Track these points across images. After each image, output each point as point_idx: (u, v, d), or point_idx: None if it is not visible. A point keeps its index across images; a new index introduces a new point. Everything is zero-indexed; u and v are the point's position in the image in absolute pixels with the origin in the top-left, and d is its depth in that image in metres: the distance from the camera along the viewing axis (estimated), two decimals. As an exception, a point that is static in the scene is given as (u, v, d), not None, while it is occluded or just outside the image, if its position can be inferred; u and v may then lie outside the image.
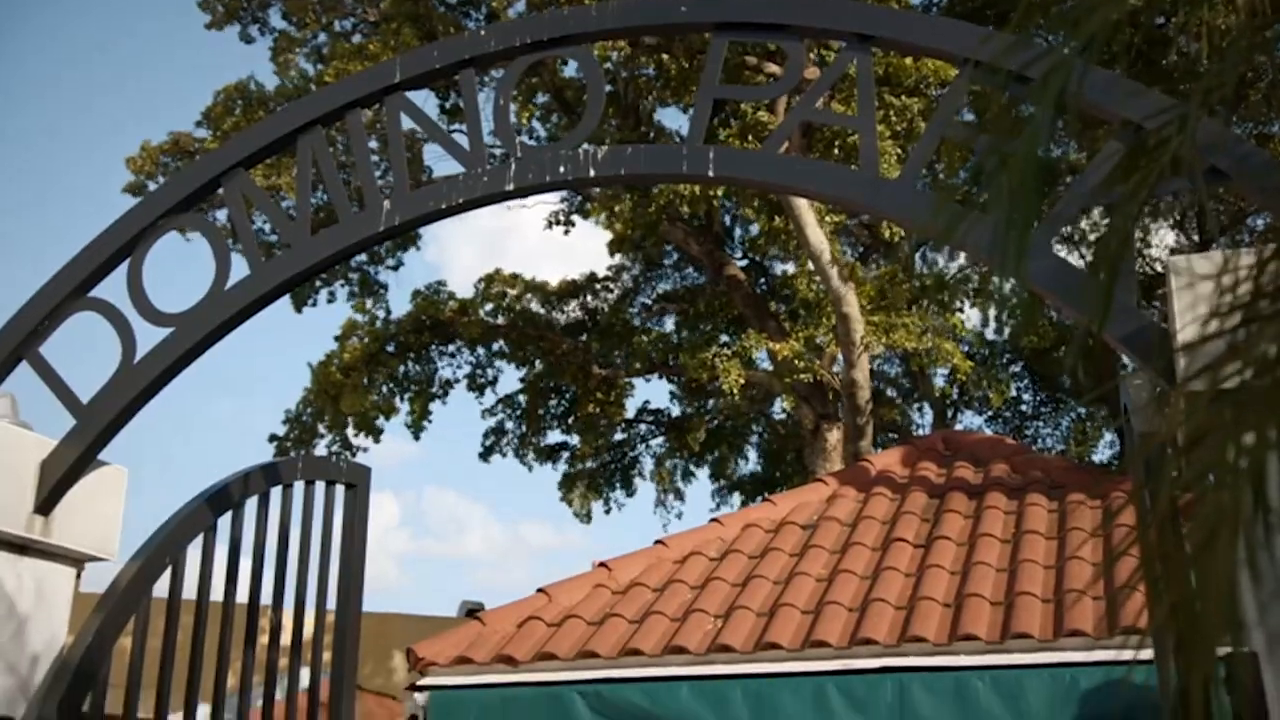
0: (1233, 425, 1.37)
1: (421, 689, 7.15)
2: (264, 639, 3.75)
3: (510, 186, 4.91)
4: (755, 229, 17.16)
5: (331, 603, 4.05)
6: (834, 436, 15.16)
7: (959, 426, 18.99)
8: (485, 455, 18.57)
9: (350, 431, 16.90)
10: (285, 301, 16.93)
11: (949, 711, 6.29)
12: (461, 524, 59.21)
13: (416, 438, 17.37)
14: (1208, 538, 1.20)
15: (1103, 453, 21.00)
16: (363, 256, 17.53)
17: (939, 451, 9.76)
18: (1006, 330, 19.05)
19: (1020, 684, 6.24)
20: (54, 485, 2.81)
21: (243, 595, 3.61)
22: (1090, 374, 18.98)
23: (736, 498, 19.87)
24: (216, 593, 3.45)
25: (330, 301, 17.78)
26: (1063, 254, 4.32)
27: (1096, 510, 7.65)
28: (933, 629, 6.64)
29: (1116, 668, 6.09)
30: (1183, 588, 1.24)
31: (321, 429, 16.75)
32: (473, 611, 7.90)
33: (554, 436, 19.07)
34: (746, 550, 8.22)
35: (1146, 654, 5.78)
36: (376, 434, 16.96)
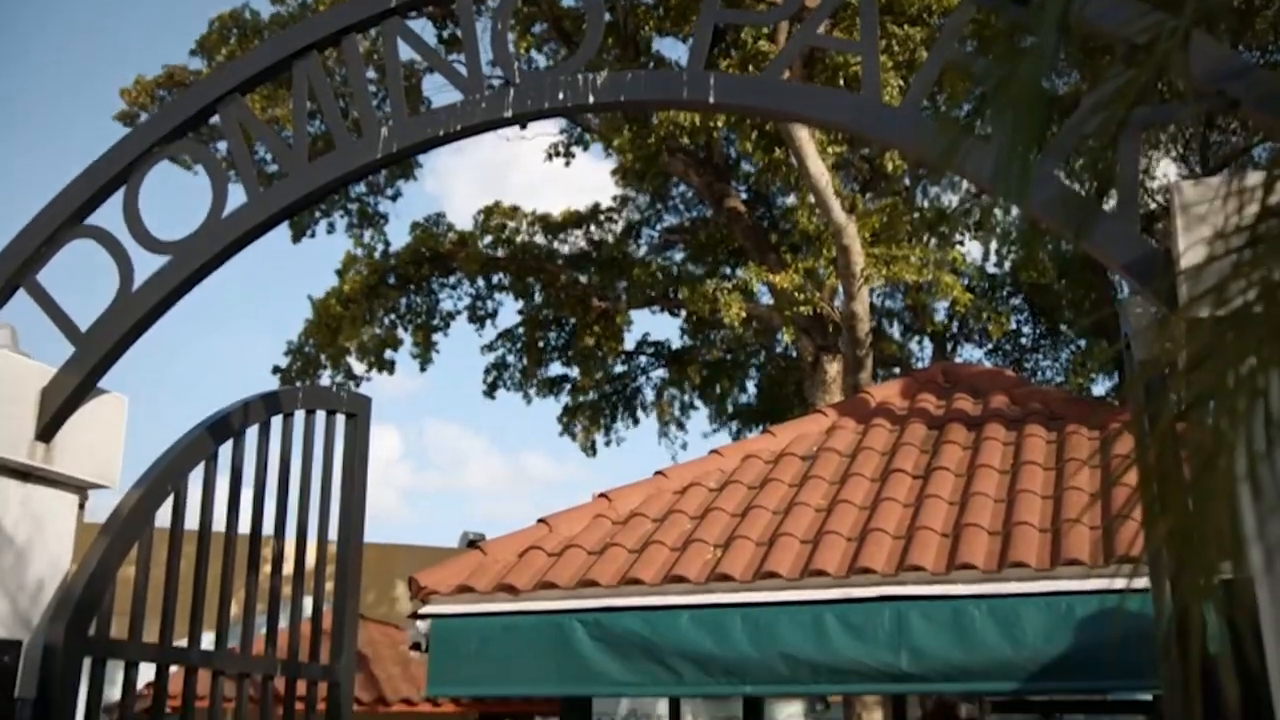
0: (1234, 348, 1.37)
1: (423, 617, 7.22)
2: (267, 569, 3.77)
3: (509, 113, 4.86)
4: (756, 163, 17.03)
5: (333, 533, 4.06)
6: (833, 369, 15.17)
7: (958, 360, 19.01)
8: (489, 392, 18.61)
9: (353, 360, 16.90)
10: (284, 233, 16.87)
11: (946, 639, 6.36)
12: (463, 457, 59.48)
13: (423, 369, 17.39)
14: (1208, 455, 1.20)
15: (1101, 385, 21.04)
16: (361, 186, 17.42)
17: (938, 383, 9.78)
18: (1007, 262, 19.01)
19: (1017, 612, 6.30)
20: (55, 413, 2.82)
21: (245, 525, 3.63)
22: (1089, 304, 18.97)
23: (737, 429, 19.93)
24: (218, 523, 3.47)
25: (329, 233, 17.70)
26: (1067, 183, 4.29)
27: (1095, 441, 7.68)
28: (930, 558, 6.69)
29: (1112, 596, 6.15)
30: (1182, 507, 1.24)
31: (324, 360, 16.74)
32: (474, 542, 7.95)
33: (554, 369, 19.10)
34: (746, 481, 8.26)
35: (1141, 582, 5.85)
36: (380, 366, 16.97)
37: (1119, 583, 6.09)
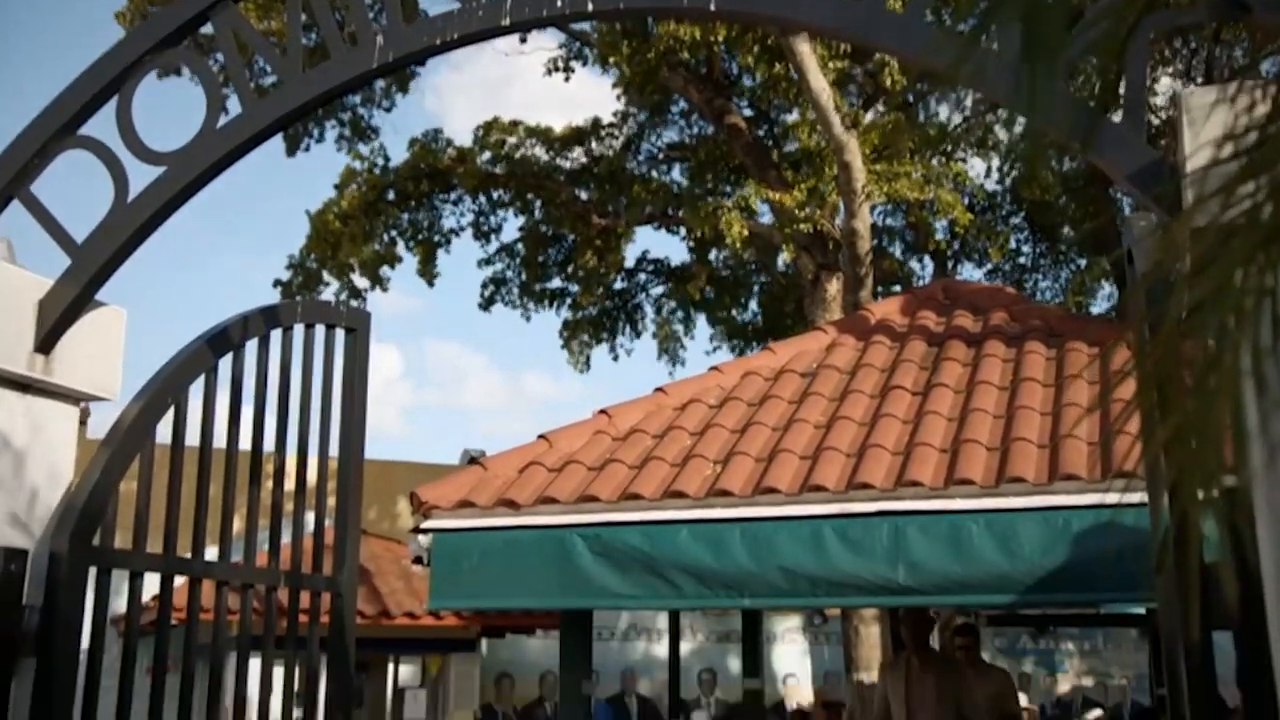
0: (1241, 248, 1.35)
1: (424, 531, 7.28)
2: (269, 484, 3.78)
3: (506, 21, 4.77)
4: (757, 77, 16.81)
5: (334, 448, 4.07)
6: (834, 287, 15.13)
7: (958, 279, 18.93)
8: (485, 305, 18.56)
9: (356, 276, 16.82)
10: (278, 145, 16.71)
11: (943, 553, 6.42)
12: (463, 375, 59.64)
13: (431, 284, 17.33)
14: (1212, 355, 1.19)
15: (1101, 305, 21.01)
16: (355, 98, 17.18)
17: (938, 300, 9.77)
18: (1009, 179, 18.87)
19: (1014, 527, 6.35)
20: (53, 324, 2.80)
21: (245, 441, 3.63)
22: (1091, 222, 18.86)
23: (737, 347, 19.94)
24: (219, 438, 3.47)
25: (319, 142, 17.43)
26: (1072, 92, 4.23)
27: (1094, 357, 7.68)
28: (929, 474, 6.73)
29: (1108, 510, 6.19)
30: (1183, 409, 1.24)
31: (327, 276, 16.66)
32: (475, 459, 7.99)
33: (554, 285, 19.03)
34: (745, 398, 8.28)
35: (1138, 496, 5.88)
36: (382, 282, 16.90)
37: (1116, 497, 6.13)
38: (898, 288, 19.35)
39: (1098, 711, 8.68)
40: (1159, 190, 3.01)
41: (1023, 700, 15.49)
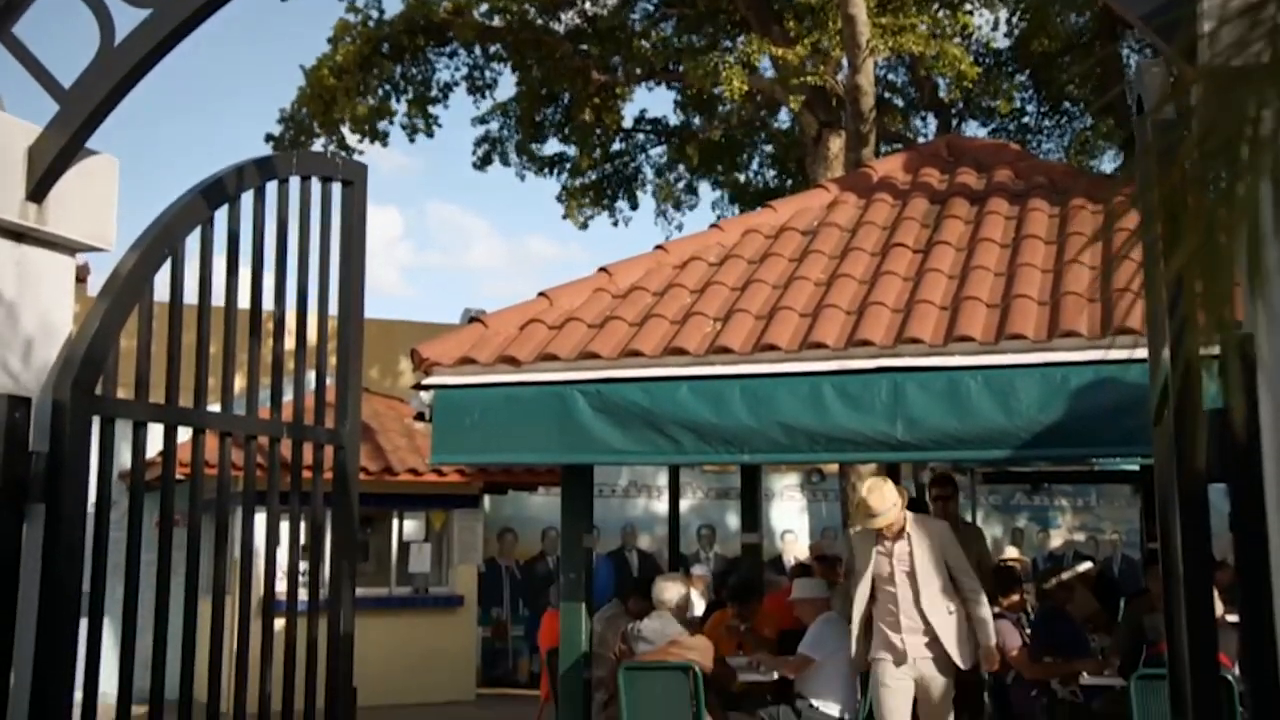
0: (1257, 97, 1.31)
1: (426, 388, 7.32)
2: (269, 340, 3.77)
3: None
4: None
5: (333, 304, 4.04)
6: (836, 145, 14.93)
7: (963, 136, 18.65)
8: (480, 165, 18.33)
9: (347, 132, 16.52)
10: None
11: (941, 409, 6.46)
12: (465, 237, 59.40)
13: (431, 135, 17.01)
14: (1229, 182, 1.15)
15: (1106, 165, 20.78)
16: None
17: (942, 157, 9.64)
18: (1018, 29, 18.46)
19: (1012, 383, 6.38)
20: (44, 172, 2.76)
21: (244, 297, 3.61)
22: (1098, 78, 18.52)
23: (737, 210, 19.78)
24: (218, 292, 3.44)
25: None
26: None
27: (1099, 215, 7.62)
28: (929, 331, 6.74)
29: (1107, 367, 6.22)
30: (1194, 239, 1.21)
31: (318, 130, 16.37)
32: (476, 318, 7.99)
33: (552, 147, 18.79)
34: (746, 255, 8.24)
35: (1138, 353, 5.90)
36: (375, 136, 16.61)
37: (1116, 353, 6.14)
38: (901, 146, 19.11)
39: (1088, 564, 8.85)
40: (1176, 39, 2.93)
41: (1013, 554, 15.82)
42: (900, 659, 6.72)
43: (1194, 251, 1.18)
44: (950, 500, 9.02)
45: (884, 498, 6.84)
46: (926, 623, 6.68)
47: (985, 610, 6.87)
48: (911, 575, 6.74)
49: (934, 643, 6.69)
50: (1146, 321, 3.55)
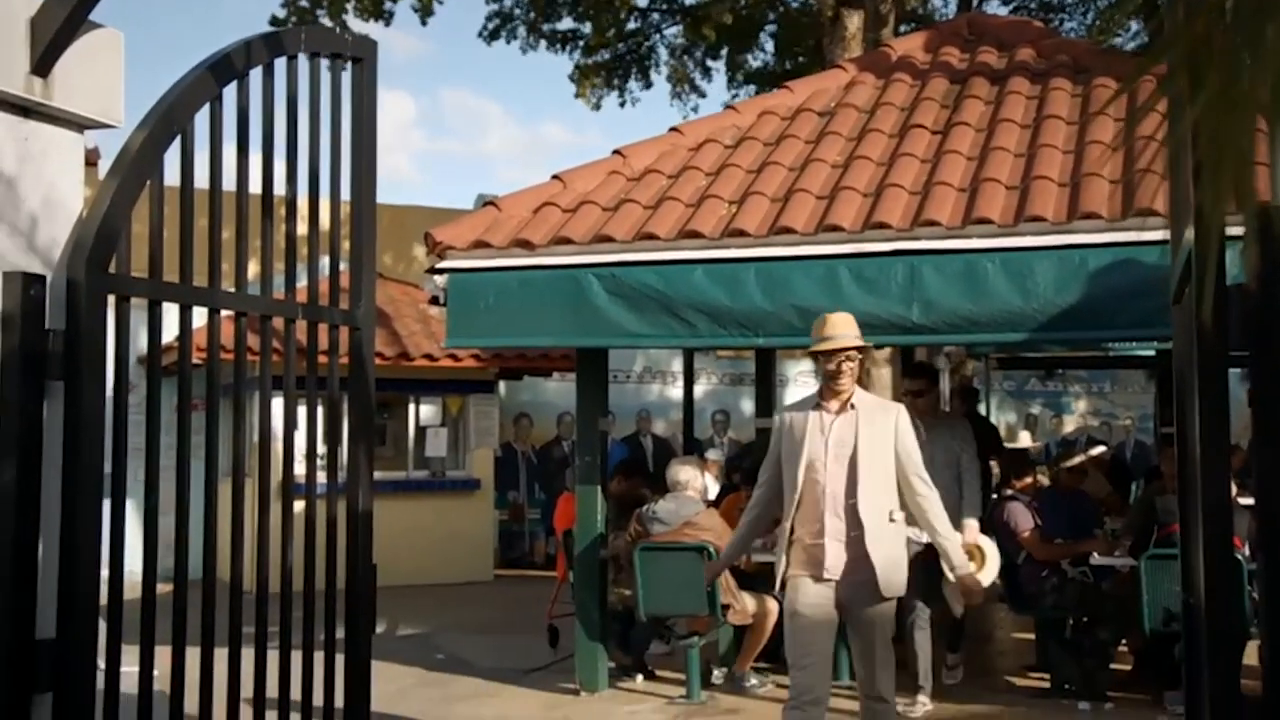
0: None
1: (440, 272, 7.30)
2: (282, 228, 3.74)
3: None
4: None
5: (346, 190, 4.00)
6: (854, 23, 14.59)
7: (984, 13, 18.22)
8: (490, 37, 17.95)
9: (350, 18, 16.18)
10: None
11: (958, 292, 6.43)
12: (480, 123, 58.72)
13: (423, 23, 16.70)
14: (1257, 25, 1.11)
15: (1131, 44, 20.31)
16: None
17: (963, 36, 9.43)
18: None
19: (1030, 265, 6.33)
20: (48, 45, 2.71)
21: (255, 179, 3.57)
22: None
23: (753, 91, 19.45)
24: (228, 178, 3.39)
25: None
26: None
27: (1121, 91, 7.47)
28: (946, 213, 6.67)
29: (1127, 249, 6.16)
30: (1224, 75, 1.16)
31: (321, 14, 16.03)
32: (490, 202, 7.92)
33: (564, 25, 18.39)
34: (762, 137, 8.13)
35: (1158, 235, 5.83)
36: (378, 15, 16.27)
37: (1136, 234, 6.08)
38: (920, 24, 18.69)
39: (1101, 448, 8.88)
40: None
41: (1027, 439, 15.88)
42: (819, 576, 4.96)
43: (1217, 95, 1.14)
44: (923, 396, 7.50)
45: (849, 323, 5.19)
46: (859, 527, 4.91)
47: (943, 524, 5.18)
48: (852, 464, 4.97)
49: (864, 560, 4.90)
50: (1169, 199, 3.49)
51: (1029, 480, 7.89)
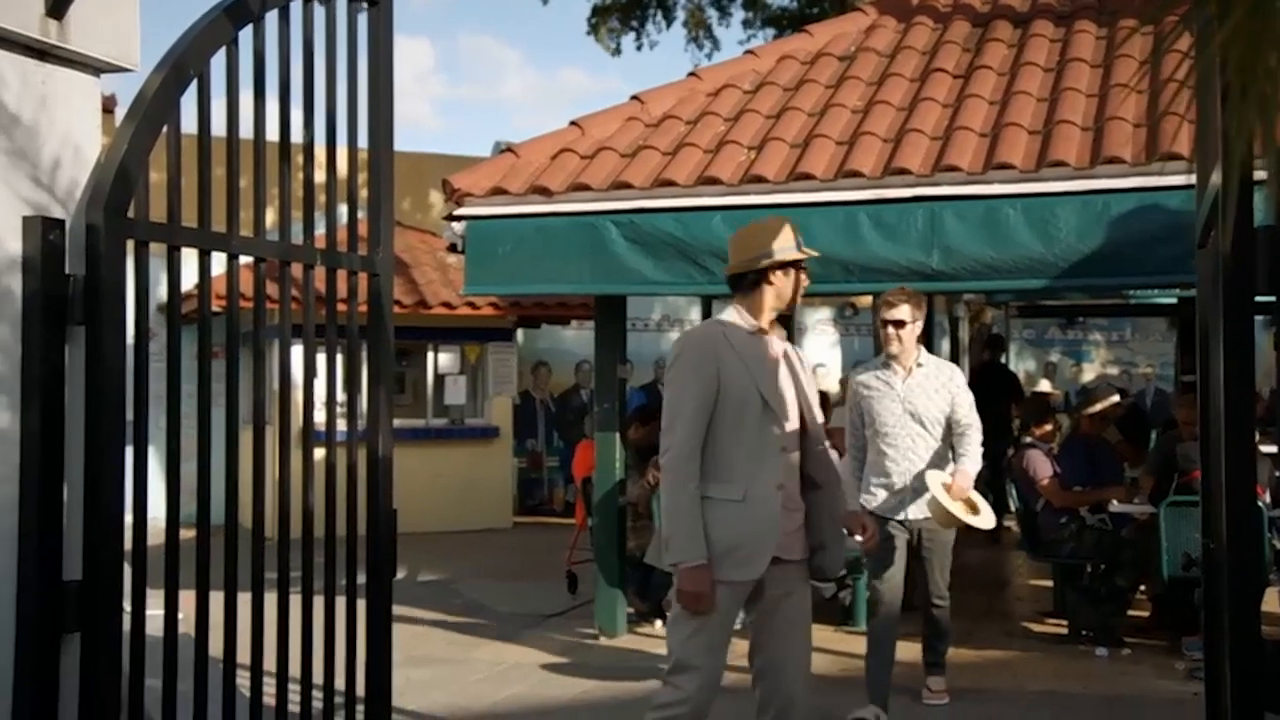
0: None
1: (458, 219, 7.29)
2: (299, 175, 3.72)
3: None
4: None
5: (363, 137, 3.97)
6: (875, -34, 14.40)
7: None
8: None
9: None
10: None
11: (979, 238, 6.38)
12: (498, 69, 58.29)
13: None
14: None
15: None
16: None
17: (986, -22, 9.29)
18: None
19: (1052, 211, 6.28)
20: (63, -14, 2.70)
21: (271, 127, 3.54)
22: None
23: (771, 36, 19.25)
24: (245, 123, 3.36)
25: None
26: None
27: (1149, 37, 7.35)
28: (967, 158, 6.60)
29: (1150, 194, 6.09)
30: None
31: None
32: (508, 148, 7.88)
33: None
34: (781, 82, 8.05)
35: (1184, 177, 5.76)
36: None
37: (1160, 179, 6.01)
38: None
39: (1116, 396, 8.82)
40: None
41: (1046, 386, 15.83)
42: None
43: (1243, 21, 1.11)
44: (904, 327, 5.88)
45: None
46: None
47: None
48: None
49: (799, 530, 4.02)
50: (1195, 140, 3.45)
51: (1048, 427, 7.87)
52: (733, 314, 4.05)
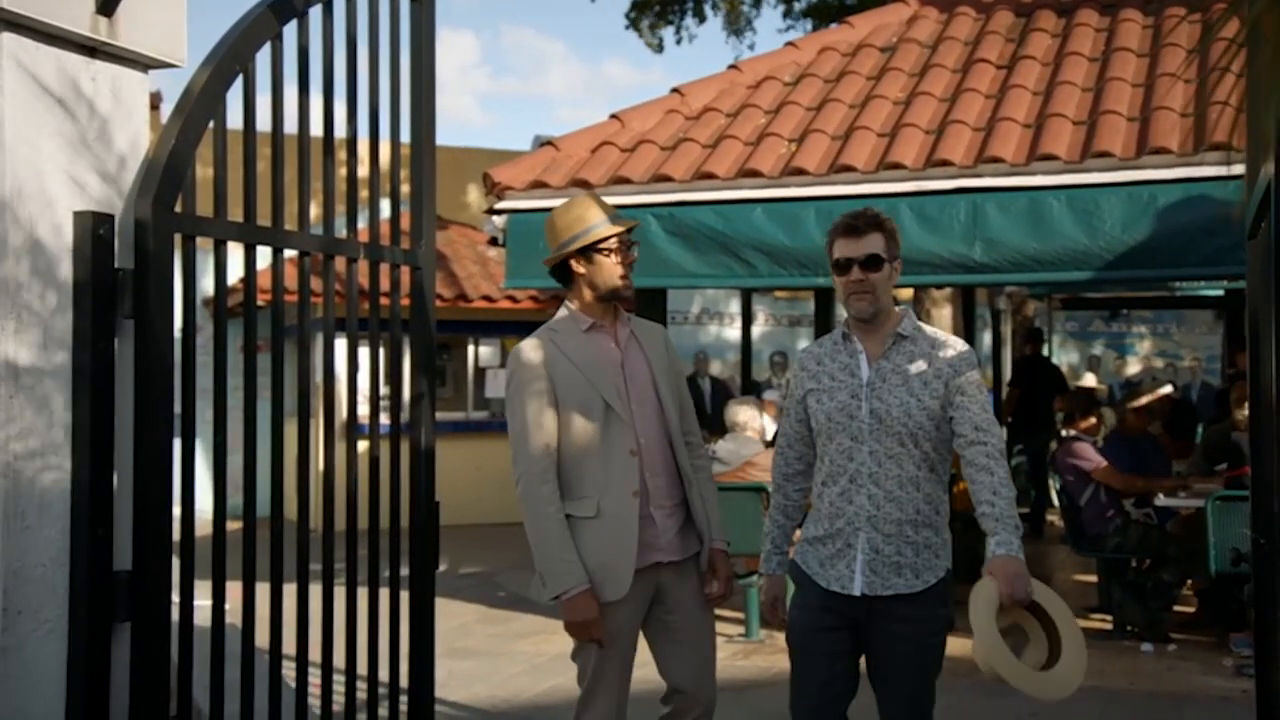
0: None
1: (499, 212, 7.31)
2: (342, 170, 3.74)
3: None
4: None
5: (406, 131, 3.99)
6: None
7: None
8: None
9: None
10: None
11: (1022, 230, 6.33)
12: (542, 62, 58.39)
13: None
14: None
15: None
16: None
17: (1030, -32, 9.20)
18: None
19: (1096, 202, 6.21)
20: (112, -16, 2.73)
21: (315, 119, 3.56)
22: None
23: (810, 27, 19.16)
24: (290, 118, 3.38)
25: None
26: None
27: (1196, 25, 7.26)
28: (1010, 150, 6.55)
29: (1198, 185, 6.01)
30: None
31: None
32: (548, 142, 7.91)
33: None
34: (822, 74, 8.02)
35: (1233, 167, 5.69)
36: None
37: (1208, 170, 5.93)
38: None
39: (1168, 387, 8.73)
40: None
41: (1090, 380, 15.70)
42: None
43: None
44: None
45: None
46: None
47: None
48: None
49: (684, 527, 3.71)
50: (1246, 129, 3.40)
51: (1093, 421, 7.79)
52: (563, 313, 3.69)
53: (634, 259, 3.72)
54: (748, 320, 11.67)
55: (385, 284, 3.86)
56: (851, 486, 3.28)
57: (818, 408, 3.37)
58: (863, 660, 3.37)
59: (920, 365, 3.31)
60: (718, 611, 3.70)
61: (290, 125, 3.37)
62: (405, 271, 3.93)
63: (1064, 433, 7.97)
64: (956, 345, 3.38)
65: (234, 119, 3.22)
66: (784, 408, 3.59)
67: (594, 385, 3.55)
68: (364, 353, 3.82)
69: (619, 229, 3.67)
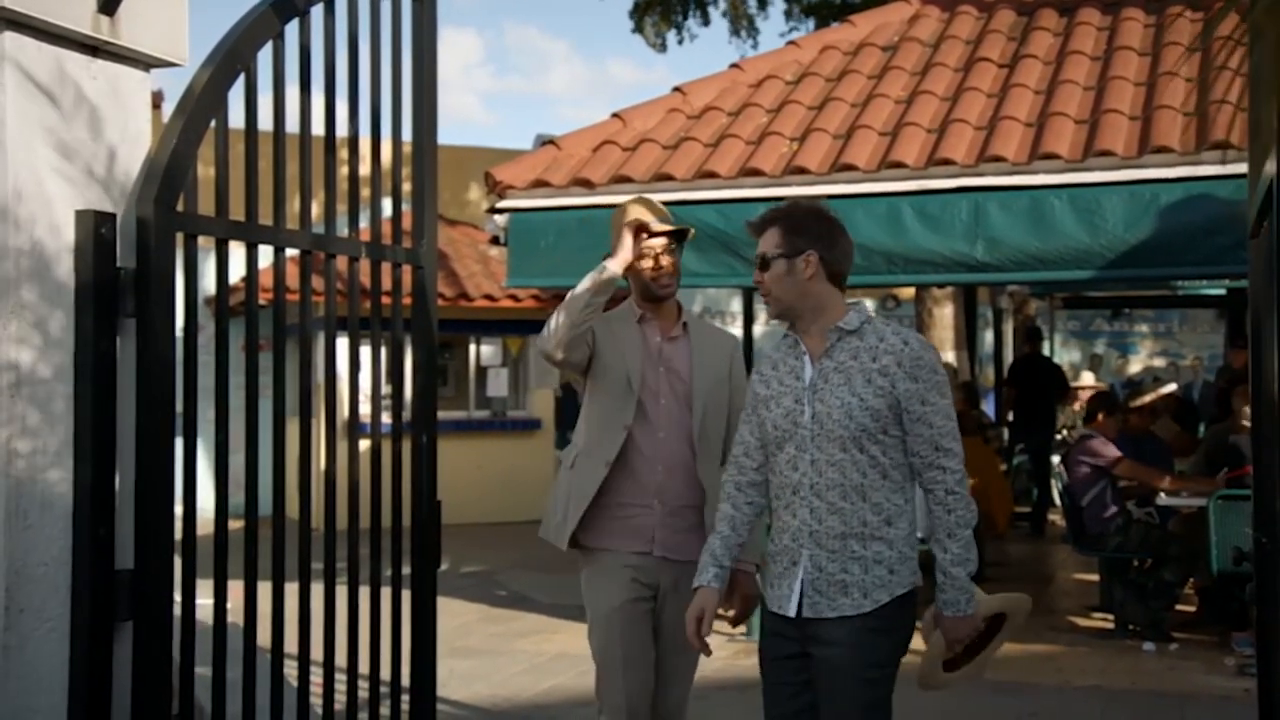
0: None
1: (500, 211, 7.31)
2: (344, 170, 3.74)
3: None
4: None
5: (407, 130, 3.99)
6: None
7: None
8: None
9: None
10: None
11: (1023, 229, 6.33)
12: (544, 60, 58.37)
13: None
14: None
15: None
16: None
17: (1032, -34, 9.20)
18: None
19: (1098, 201, 6.22)
20: (111, -17, 2.73)
21: (316, 121, 3.56)
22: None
23: (812, 26, 19.16)
24: (290, 116, 3.38)
25: None
26: None
27: (1198, 23, 7.25)
28: (1012, 149, 6.55)
29: (1200, 183, 6.01)
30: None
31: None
32: (549, 141, 7.90)
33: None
34: (824, 73, 8.02)
35: (1235, 167, 5.68)
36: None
37: (1210, 168, 5.93)
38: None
39: (1171, 386, 8.72)
40: None
41: (1090, 379, 15.69)
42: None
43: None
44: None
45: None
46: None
47: None
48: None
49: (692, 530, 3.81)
50: (1248, 128, 3.40)
51: (1112, 419, 7.73)
52: (625, 304, 3.92)
53: (667, 262, 3.83)
54: (749, 319, 11.62)
55: (387, 283, 3.86)
56: (795, 499, 3.05)
57: (766, 416, 3.12)
58: None
59: (865, 361, 3.02)
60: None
61: (292, 124, 3.37)
62: (407, 270, 3.93)
63: (1079, 431, 7.93)
64: (911, 341, 3.05)
65: (235, 118, 3.22)
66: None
67: (625, 360, 3.74)
68: (366, 352, 3.82)
69: (657, 230, 3.83)
